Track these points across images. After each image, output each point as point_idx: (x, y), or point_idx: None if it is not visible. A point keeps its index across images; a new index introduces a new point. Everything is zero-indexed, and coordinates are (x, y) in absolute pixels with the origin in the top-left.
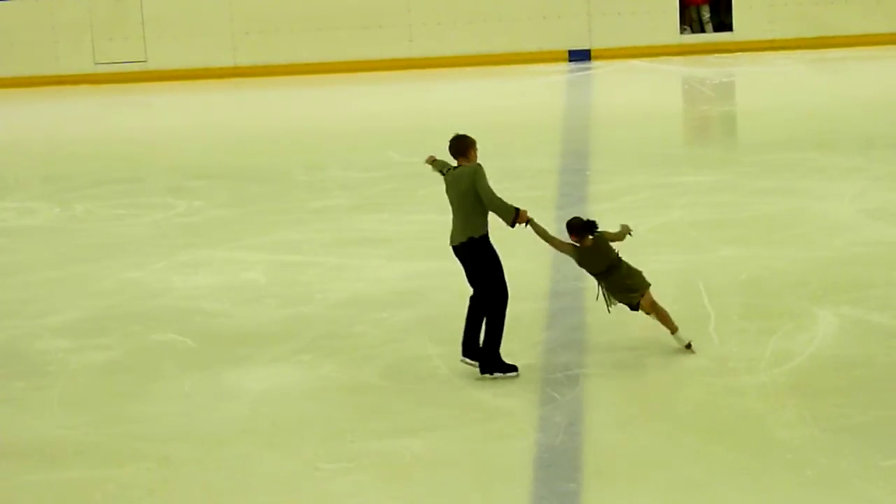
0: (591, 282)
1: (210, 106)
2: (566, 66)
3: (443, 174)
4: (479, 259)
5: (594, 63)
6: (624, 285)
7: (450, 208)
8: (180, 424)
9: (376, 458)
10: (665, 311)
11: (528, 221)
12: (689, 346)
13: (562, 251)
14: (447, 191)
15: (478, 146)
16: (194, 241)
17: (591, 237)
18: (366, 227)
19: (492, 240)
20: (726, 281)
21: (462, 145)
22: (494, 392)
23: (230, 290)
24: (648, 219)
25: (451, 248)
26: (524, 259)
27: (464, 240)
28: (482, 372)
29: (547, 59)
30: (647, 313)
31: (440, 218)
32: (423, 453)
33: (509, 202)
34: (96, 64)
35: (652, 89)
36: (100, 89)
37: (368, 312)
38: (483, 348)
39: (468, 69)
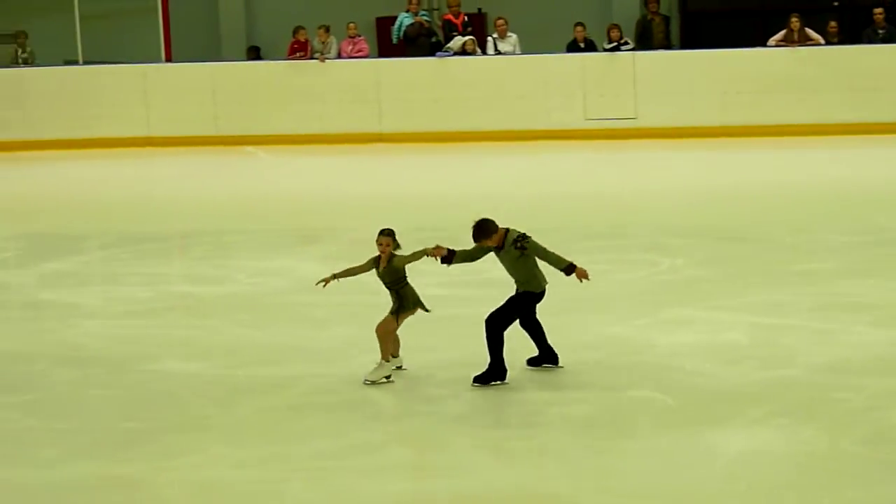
0: None
1: (696, 164)
2: None
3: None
4: None
5: None
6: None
7: None
8: (653, 482)
9: None
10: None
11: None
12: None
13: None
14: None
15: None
16: (676, 298)
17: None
18: (850, 291)
19: None
20: None
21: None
22: None
23: (711, 350)
24: None
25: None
26: None
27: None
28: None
29: None
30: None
31: None
32: None
33: None
34: (586, 119)
35: None
36: (589, 144)
37: (850, 378)
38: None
39: None
